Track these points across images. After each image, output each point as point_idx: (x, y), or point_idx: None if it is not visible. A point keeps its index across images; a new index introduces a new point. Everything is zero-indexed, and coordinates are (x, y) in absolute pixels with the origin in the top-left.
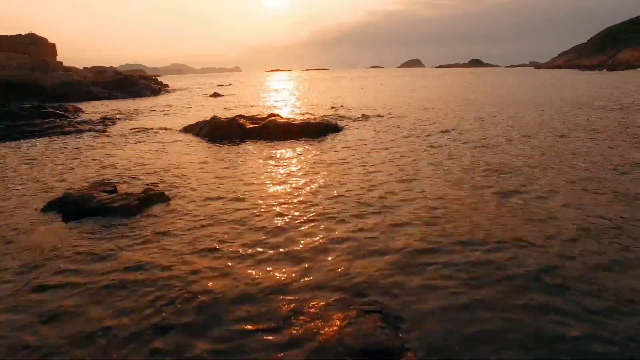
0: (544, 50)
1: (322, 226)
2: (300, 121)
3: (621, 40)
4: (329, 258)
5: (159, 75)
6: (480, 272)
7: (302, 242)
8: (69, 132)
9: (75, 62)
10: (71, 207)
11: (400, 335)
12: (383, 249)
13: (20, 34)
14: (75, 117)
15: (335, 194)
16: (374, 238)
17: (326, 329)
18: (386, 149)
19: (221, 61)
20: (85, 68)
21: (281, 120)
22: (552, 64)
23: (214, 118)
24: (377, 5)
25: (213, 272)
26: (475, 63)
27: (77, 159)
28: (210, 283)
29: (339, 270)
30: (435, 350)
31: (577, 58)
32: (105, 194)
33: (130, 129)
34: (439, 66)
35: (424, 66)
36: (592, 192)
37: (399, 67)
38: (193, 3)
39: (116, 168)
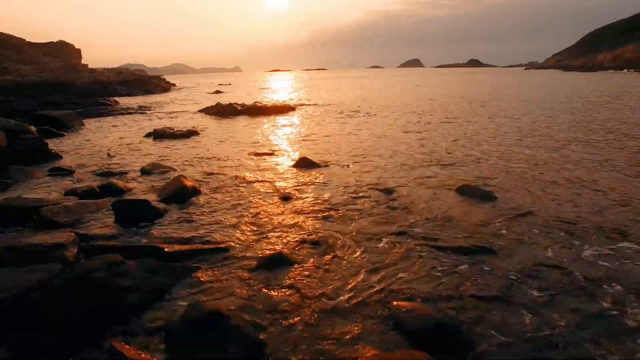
0: (544, 50)
1: (266, 140)
2: (270, 105)
3: (605, 42)
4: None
5: (162, 76)
6: None
7: (259, 137)
8: (123, 114)
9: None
10: (158, 134)
11: None
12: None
13: (52, 42)
14: (118, 106)
15: (274, 128)
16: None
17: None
18: (314, 117)
19: (221, 61)
20: (104, 69)
21: (259, 104)
22: (544, 65)
23: (218, 104)
24: (377, 5)
25: (223, 150)
26: (474, 63)
27: (141, 123)
28: (220, 150)
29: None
30: None
31: (566, 59)
32: (170, 130)
33: (162, 112)
34: (438, 66)
35: (424, 66)
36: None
37: (398, 67)
38: (193, 3)
39: (167, 126)
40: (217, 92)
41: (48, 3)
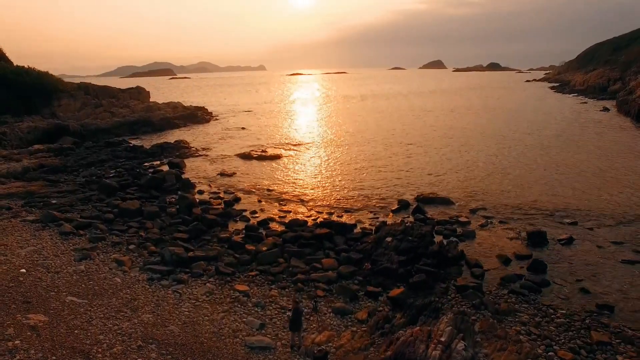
0: (579, 51)
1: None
2: (268, 154)
3: (598, 59)
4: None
5: (189, 76)
6: None
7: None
8: (195, 156)
9: (106, 61)
10: (223, 174)
11: None
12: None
13: (132, 87)
14: (189, 149)
15: (268, 167)
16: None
17: None
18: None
19: (246, 59)
20: (163, 103)
21: (264, 154)
22: (548, 75)
23: (243, 153)
24: (403, 4)
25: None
26: (493, 67)
27: (207, 166)
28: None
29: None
30: None
31: (566, 71)
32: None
33: (214, 155)
34: (458, 69)
35: (446, 68)
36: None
37: (420, 68)
38: (220, 1)
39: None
40: (243, 128)
41: (78, 1)
